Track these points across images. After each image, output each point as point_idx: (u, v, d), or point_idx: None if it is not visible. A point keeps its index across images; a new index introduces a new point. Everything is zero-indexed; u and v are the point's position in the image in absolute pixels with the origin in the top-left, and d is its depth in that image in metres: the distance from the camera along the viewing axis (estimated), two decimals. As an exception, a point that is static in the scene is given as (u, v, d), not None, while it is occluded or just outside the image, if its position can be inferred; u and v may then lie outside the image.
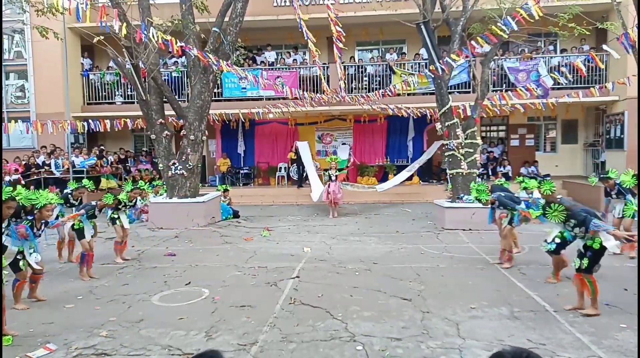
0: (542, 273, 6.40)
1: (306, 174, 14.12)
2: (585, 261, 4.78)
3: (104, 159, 14.94)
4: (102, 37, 8.84)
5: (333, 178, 11.93)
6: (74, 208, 7.77)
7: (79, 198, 7.80)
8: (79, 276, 6.55)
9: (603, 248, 4.72)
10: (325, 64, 15.16)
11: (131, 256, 7.81)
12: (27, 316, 5.12)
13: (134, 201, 7.75)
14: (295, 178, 15.88)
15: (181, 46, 8.93)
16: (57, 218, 7.42)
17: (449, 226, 9.88)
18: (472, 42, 8.67)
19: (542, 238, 6.78)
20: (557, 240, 5.70)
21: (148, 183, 13.31)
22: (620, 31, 9.42)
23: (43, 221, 5.56)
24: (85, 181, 8.03)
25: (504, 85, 14.67)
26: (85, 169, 13.87)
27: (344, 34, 11.04)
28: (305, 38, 10.43)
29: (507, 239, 6.88)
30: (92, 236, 6.82)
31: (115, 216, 7.48)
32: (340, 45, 11.22)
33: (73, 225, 6.71)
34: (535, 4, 7.56)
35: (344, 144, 16.91)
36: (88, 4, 7.87)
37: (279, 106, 13.89)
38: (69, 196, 7.73)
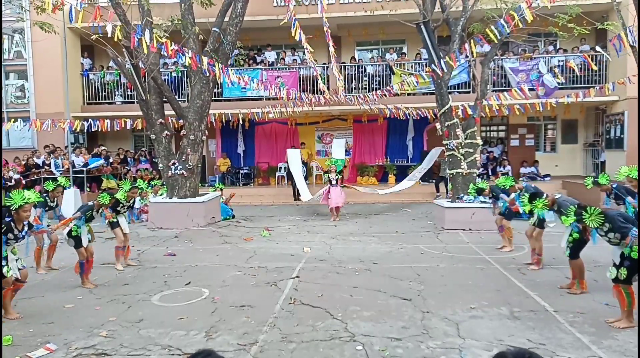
0: (542, 274, 6.42)
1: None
2: (623, 271, 4.46)
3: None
4: (100, 35, 8.83)
5: (333, 181, 11.55)
6: (52, 211, 7.40)
7: (56, 199, 7.42)
8: (83, 286, 6.16)
9: None
10: (325, 64, 15.17)
11: (132, 257, 7.76)
12: (26, 316, 5.11)
13: (131, 201, 7.41)
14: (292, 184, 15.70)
15: (174, 50, 8.88)
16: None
17: (448, 226, 9.88)
18: (466, 45, 8.76)
19: (548, 240, 6.77)
20: (570, 244, 5.50)
21: (147, 183, 13.36)
22: (620, 31, 9.45)
23: (25, 222, 5.12)
24: (60, 179, 7.55)
25: (505, 85, 14.67)
26: (85, 169, 13.86)
27: (331, 37, 11.03)
28: (299, 39, 10.41)
29: (539, 241, 6.68)
30: (89, 241, 6.34)
31: (114, 219, 7.04)
32: (332, 50, 11.25)
33: (70, 231, 6.11)
34: (527, 6, 7.62)
35: (339, 138, 16.67)
36: (81, 5, 7.84)
37: (278, 106, 13.89)
38: (46, 197, 7.22)
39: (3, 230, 4.91)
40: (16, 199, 4.99)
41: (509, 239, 7.83)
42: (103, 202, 6.49)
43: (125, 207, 7.32)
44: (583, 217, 4.73)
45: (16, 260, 5.03)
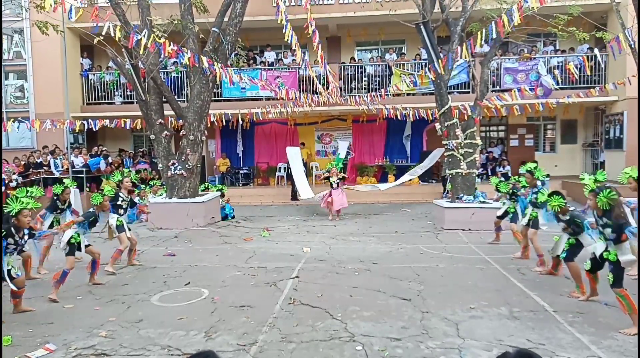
0: (542, 274, 6.41)
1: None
2: (610, 276, 4.49)
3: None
4: (101, 38, 8.84)
5: (334, 185, 11.53)
6: (65, 213, 7.20)
7: (67, 201, 7.24)
8: (49, 296, 5.62)
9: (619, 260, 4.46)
10: (326, 63, 15.14)
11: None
12: (26, 316, 5.12)
13: (128, 196, 7.20)
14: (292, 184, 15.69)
15: (173, 49, 8.88)
16: (51, 226, 6.82)
17: (448, 226, 9.88)
18: (458, 49, 8.86)
19: (545, 240, 6.77)
20: (567, 247, 5.56)
21: (147, 183, 13.37)
22: (619, 32, 9.48)
23: (26, 229, 5.09)
24: (67, 181, 7.33)
25: (504, 85, 14.68)
26: (84, 170, 13.86)
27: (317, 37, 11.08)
28: (290, 41, 10.44)
29: (535, 242, 6.69)
30: (86, 247, 6.16)
31: (120, 223, 6.96)
32: (320, 54, 11.32)
33: (70, 238, 5.89)
34: (518, 8, 7.72)
35: (343, 140, 16.84)
36: (81, 4, 7.86)
37: (278, 106, 13.89)
38: (57, 201, 7.02)
39: (3, 235, 4.87)
40: (13, 205, 4.95)
41: (519, 241, 7.70)
42: (95, 202, 6.31)
43: (127, 202, 7.16)
44: (597, 198, 4.55)
45: (9, 269, 4.95)
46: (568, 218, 5.53)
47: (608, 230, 4.54)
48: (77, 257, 6.22)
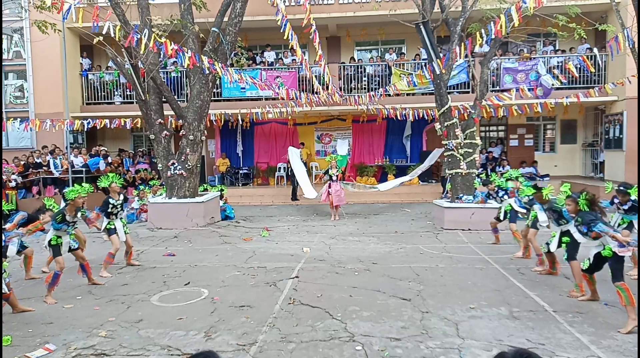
0: (541, 274, 6.41)
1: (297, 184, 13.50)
2: (611, 272, 4.59)
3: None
4: (101, 38, 8.84)
5: (334, 178, 11.59)
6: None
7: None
8: (44, 299, 5.59)
9: (616, 253, 4.53)
10: (327, 63, 15.12)
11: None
12: (26, 316, 5.13)
13: (120, 199, 6.93)
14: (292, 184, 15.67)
15: (174, 49, 8.89)
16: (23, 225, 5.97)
17: (448, 226, 9.88)
18: (456, 49, 8.90)
19: (545, 240, 6.79)
20: (565, 246, 5.57)
21: (146, 184, 13.37)
22: (618, 32, 9.49)
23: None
24: (81, 188, 6.82)
25: (504, 85, 14.67)
26: (83, 170, 13.85)
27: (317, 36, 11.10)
28: (290, 39, 10.46)
29: (534, 241, 6.74)
30: (75, 248, 6.04)
31: (112, 226, 6.85)
32: (318, 47, 11.34)
33: (50, 240, 5.81)
34: (517, 9, 7.76)
35: (342, 139, 16.89)
36: (78, 3, 7.86)
37: (278, 106, 13.89)
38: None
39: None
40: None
41: (518, 241, 7.64)
42: (69, 197, 5.91)
43: (117, 207, 6.92)
44: (577, 199, 5.03)
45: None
46: (547, 206, 5.98)
47: (582, 227, 4.98)
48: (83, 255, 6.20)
